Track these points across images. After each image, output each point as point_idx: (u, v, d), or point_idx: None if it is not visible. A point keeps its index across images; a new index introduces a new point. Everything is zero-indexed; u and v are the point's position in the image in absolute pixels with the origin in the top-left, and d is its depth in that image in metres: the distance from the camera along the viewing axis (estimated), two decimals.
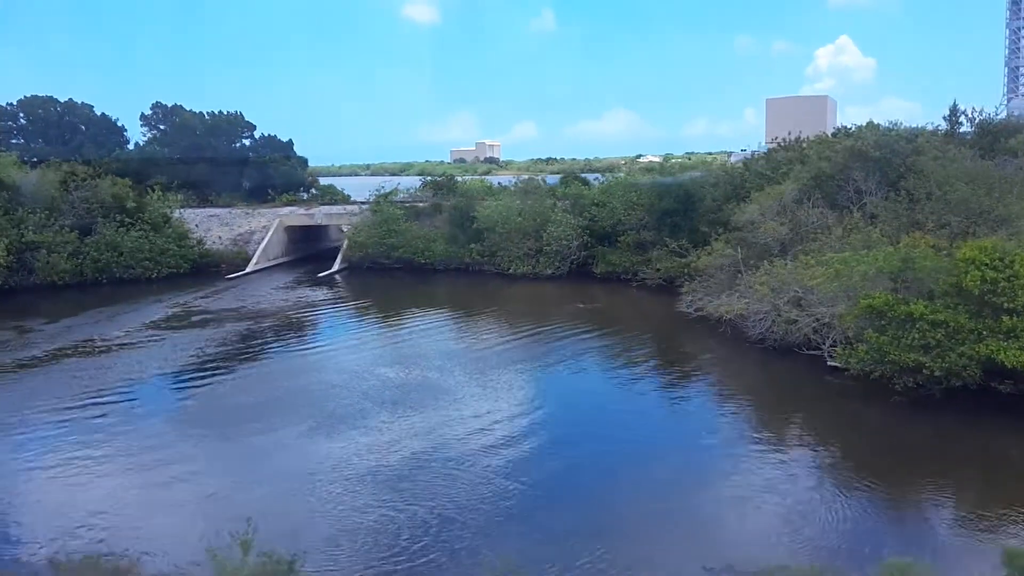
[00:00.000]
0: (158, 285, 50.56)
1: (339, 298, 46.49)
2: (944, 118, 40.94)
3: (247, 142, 72.66)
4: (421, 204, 58.06)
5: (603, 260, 47.06)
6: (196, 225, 58.22)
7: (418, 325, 37.39)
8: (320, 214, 61.02)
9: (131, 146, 74.23)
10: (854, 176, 34.51)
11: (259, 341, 34.95)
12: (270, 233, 57.98)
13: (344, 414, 23.60)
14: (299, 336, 36.43)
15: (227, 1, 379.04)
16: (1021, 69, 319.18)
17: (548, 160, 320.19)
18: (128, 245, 51.17)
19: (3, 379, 28.63)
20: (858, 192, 34.55)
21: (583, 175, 66.67)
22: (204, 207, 62.42)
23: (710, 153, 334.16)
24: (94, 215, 52.39)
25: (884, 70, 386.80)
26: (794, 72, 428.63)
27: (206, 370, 29.64)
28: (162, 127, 73.58)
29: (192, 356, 31.67)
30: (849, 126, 48.10)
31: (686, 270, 39.22)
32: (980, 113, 39.31)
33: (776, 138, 51.86)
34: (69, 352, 32.48)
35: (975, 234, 28.04)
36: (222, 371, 29.53)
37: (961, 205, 29.75)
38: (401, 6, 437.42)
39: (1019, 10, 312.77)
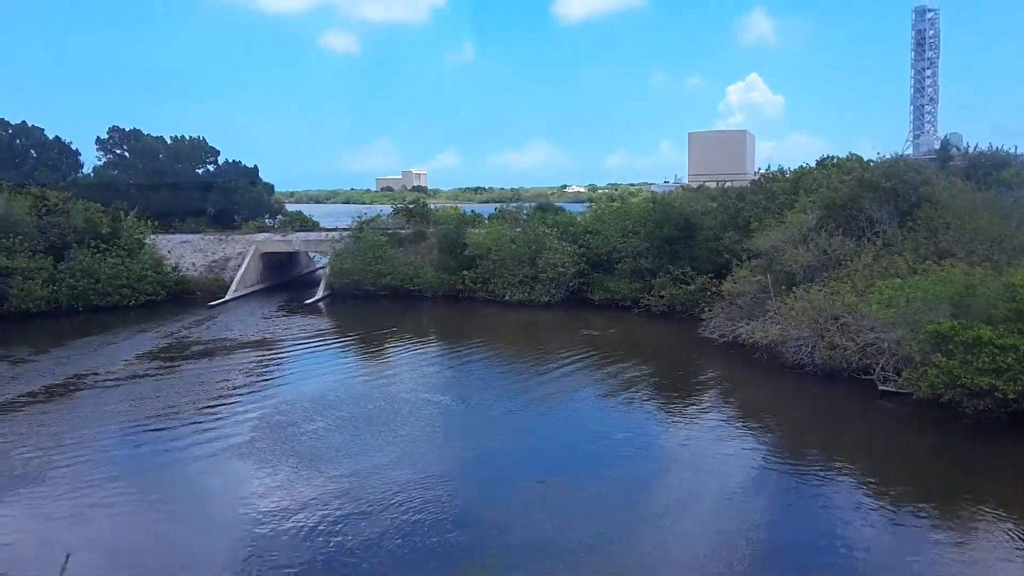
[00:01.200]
0: (136, 313, 48.70)
1: (339, 326, 45.48)
2: (935, 151, 42.56)
3: (211, 167, 70.74)
4: (404, 231, 57.42)
5: (601, 287, 47.21)
6: (169, 251, 56.45)
7: (434, 356, 36.74)
8: (298, 240, 59.79)
9: (87, 171, 71.53)
10: (865, 205, 35.49)
11: (282, 369, 33.92)
12: (247, 260, 56.51)
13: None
14: (317, 364, 35.34)
15: (150, 30, 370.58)
16: (926, 108, 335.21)
17: (476, 189, 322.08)
18: (105, 271, 49.24)
19: (31, 412, 27.04)
20: (869, 221, 35.56)
21: (548, 202, 67.61)
22: (171, 233, 60.50)
23: (632, 184, 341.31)
24: (67, 241, 50.29)
25: (792, 107, 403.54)
26: (708, 107, 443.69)
27: (254, 400, 28.51)
28: (117, 151, 71.12)
29: (220, 387, 30.46)
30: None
31: (701, 296, 39.81)
32: (974, 148, 41.01)
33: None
34: (82, 384, 30.86)
35: (997, 262, 29.12)
36: (269, 400, 28.42)
37: (982, 234, 30.90)
38: (318, 36, 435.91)
39: (923, 52, 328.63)
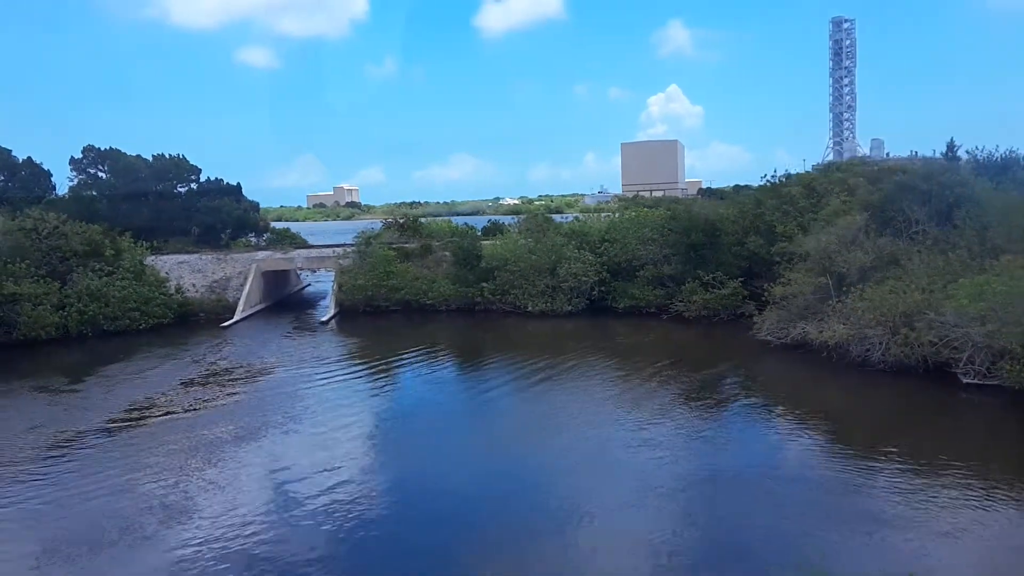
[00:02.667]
0: (148, 337, 47.11)
1: (375, 343, 44.01)
2: (943, 153, 44.47)
3: (193, 186, 68.99)
4: (410, 245, 57.05)
5: (625, 295, 47.69)
6: (167, 272, 54.83)
7: (509, 375, 35.36)
8: (300, 257, 58.81)
9: (61, 191, 69.02)
10: (904, 207, 36.84)
11: (366, 388, 33.27)
12: (250, 279, 55.31)
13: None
14: (392, 386, 34.76)
15: (59, 50, 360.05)
16: (844, 115, 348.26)
17: (412, 204, 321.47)
18: (115, 295, 47.61)
19: (131, 442, 26.06)
20: (907, 221, 36.92)
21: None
22: (165, 254, 58.79)
23: (562, 195, 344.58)
24: (69, 264, 48.51)
25: (711, 117, 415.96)
26: (630, 119, 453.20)
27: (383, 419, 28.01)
28: (91, 171, 68.84)
29: (303, 408, 29.85)
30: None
31: (734, 300, 40.87)
32: (981, 150, 42.93)
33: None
34: (151, 414, 29.75)
35: None
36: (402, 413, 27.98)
37: None
38: (235, 52, 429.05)
39: (840, 61, 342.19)
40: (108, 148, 67.82)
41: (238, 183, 70.31)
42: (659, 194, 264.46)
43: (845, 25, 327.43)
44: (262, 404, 30.53)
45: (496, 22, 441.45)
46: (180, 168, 67.80)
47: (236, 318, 51.60)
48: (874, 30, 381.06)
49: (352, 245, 59.03)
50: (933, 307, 29.58)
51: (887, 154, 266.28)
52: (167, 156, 67.94)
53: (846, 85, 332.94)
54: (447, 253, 56.16)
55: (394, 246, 56.35)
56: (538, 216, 58.64)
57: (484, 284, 50.63)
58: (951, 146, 44.73)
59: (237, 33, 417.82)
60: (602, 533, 17.69)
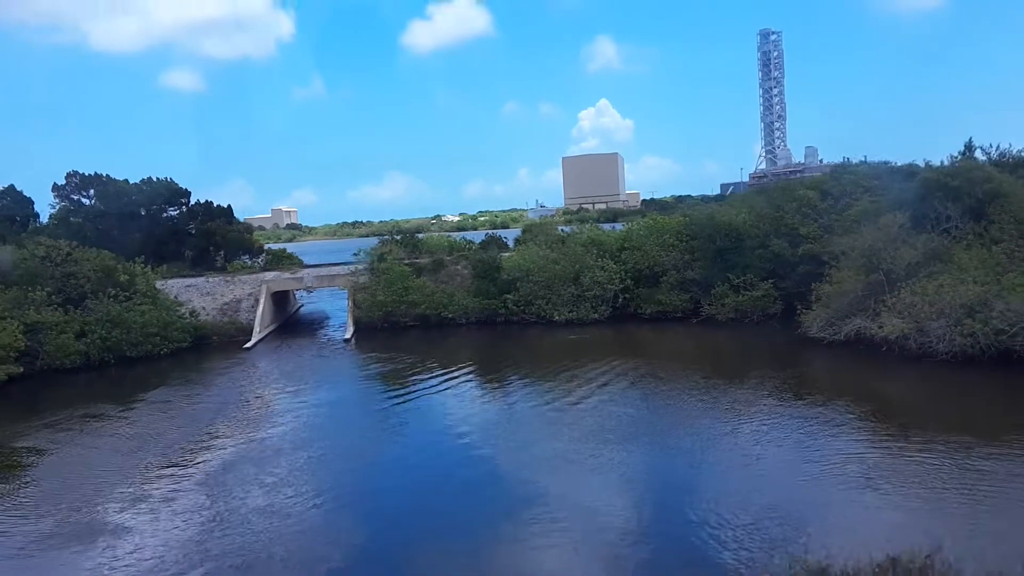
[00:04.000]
0: (169, 362, 46.20)
1: (421, 359, 42.94)
2: (960, 153, 46.43)
3: (183, 210, 67.59)
4: (421, 261, 57.01)
5: (651, 301, 48.44)
6: (175, 296, 53.72)
7: (574, 385, 35.29)
8: (310, 276, 58.14)
9: (44, 220, 66.95)
10: (935, 204, 38.47)
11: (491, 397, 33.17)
12: (263, 300, 54.58)
13: None
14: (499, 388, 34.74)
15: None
16: (775, 124, 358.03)
17: (355, 223, 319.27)
18: (136, 320, 46.48)
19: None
20: (938, 218, 38.55)
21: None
22: (169, 277, 57.55)
23: (504, 211, 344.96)
24: (84, 291, 47.22)
25: (641, 130, 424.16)
26: (562, 134, 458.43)
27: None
28: (75, 197, 66.98)
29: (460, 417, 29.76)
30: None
31: (766, 301, 42.23)
32: (996, 149, 44.88)
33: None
34: (258, 446, 29.30)
35: None
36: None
37: None
38: (159, 75, 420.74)
39: (769, 72, 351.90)
40: (93, 173, 66.10)
41: (228, 205, 69.25)
42: (601, 206, 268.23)
43: (772, 37, 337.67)
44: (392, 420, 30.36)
45: (423, 40, 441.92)
46: (169, 192, 66.40)
47: (254, 340, 50.86)
48: (800, 41, 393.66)
49: (353, 263, 58.89)
50: (993, 298, 30.99)
51: (820, 161, 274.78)
52: (155, 179, 66.51)
53: (775, 95, 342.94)
54: (458, 267, 56.37)
55: (406, 262, 56.21)
56: (548, 227, 59.06)
57: (507, 296, 50.81)
58: (969, 146, 46.74)
59: (159, 56, 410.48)
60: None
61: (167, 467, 25.44)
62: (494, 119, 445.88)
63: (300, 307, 68.61)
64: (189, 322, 50.67)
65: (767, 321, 44.67)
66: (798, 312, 39.58)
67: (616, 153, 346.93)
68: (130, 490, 23.35)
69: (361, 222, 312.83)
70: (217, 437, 29.00)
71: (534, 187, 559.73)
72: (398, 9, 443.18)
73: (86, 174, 66.33)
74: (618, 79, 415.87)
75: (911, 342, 33.11)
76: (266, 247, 70.27)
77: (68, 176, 66.07)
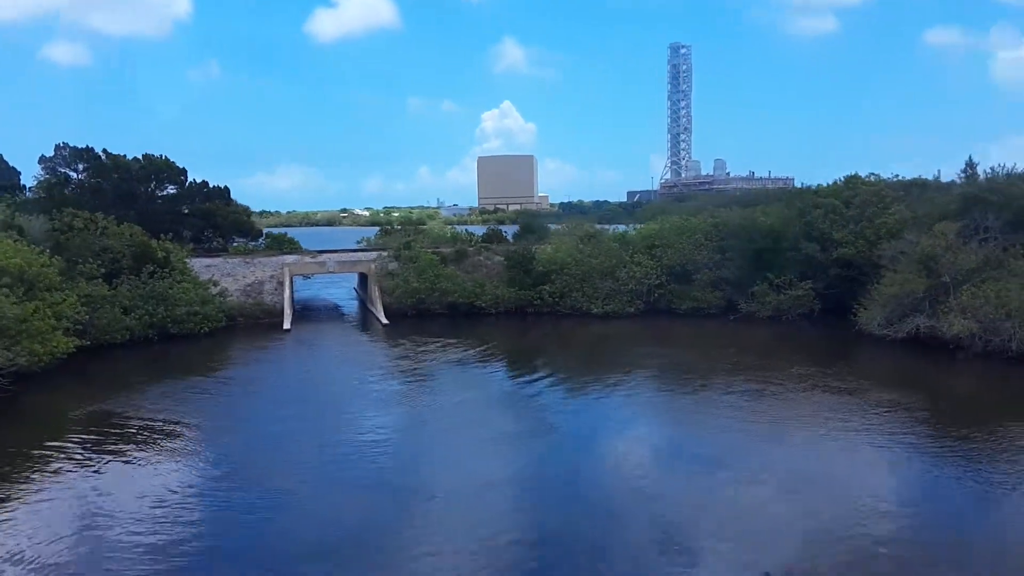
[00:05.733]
0: (211, 341, 45.49)
1: (498, 348, 43.81)
2: (962, 172, 50.48)
3: (179, 188, 65.71)
4: (445, 250, 57.61)
5: (687, 297, 50.60)
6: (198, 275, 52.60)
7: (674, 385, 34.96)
8: (332, 261, 57.74)
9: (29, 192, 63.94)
10: (975, 216, 41.96)
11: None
12: (287, 283, 54.09)
13: None
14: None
15: None
16: (681, 136, 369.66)
17: (261, 213, 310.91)
18: (182, 297, 45.50)
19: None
20: (976, 229, 42.00)
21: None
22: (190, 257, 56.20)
23: (412, 207, 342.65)
24: (121, 266, 45.85)
25: (543, 133, 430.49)
26: (465, 133, 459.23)
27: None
28: (61, 170, 64.25)
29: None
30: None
31: (804, 300, 46.36)
32: (1001, 168, 48.84)
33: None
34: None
35: None
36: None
37: None
38: (41, 46, 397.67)
39: (678, 84, 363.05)
40: (85, 146, 63.59)
41: (226, 186, 67.69)
42: (516, 207, 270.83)
43: (683, 51, 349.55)
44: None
45: (327, 28, 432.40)
46: (168, 169, 64.49)
47: (288, 322, 50.43)
48: (709, 56, 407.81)
49: (362, 250, 58.98)
50: None
51: (727, 173, 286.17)
52: (155, 156, 64.45)
53: (683, 107, 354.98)
54: (480, 257, 57.34)
55: (431, 251, 56.73)
56: (585, 224, 60.59)
57: (543, 287, 52.02)
58: (970, 163, 50.74)
59: (43, 28, 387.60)
60: None
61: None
62: (396, 114, 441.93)
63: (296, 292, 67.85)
64: (222, 302, 49.73)
65: (802, 319, 47.40)
66: (853, 311, 42.30)
67: (532, 156, 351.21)
68: None
69: (268, 211, 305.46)
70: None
71: (436, 185, 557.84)
72: None
73: (77, 147, 63.73)
74: (523, 82, 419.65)
75: (977, 340, 36.23)
76: (265, 230, 69.01)
77: (57, 148, 63.40)
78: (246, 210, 68.65)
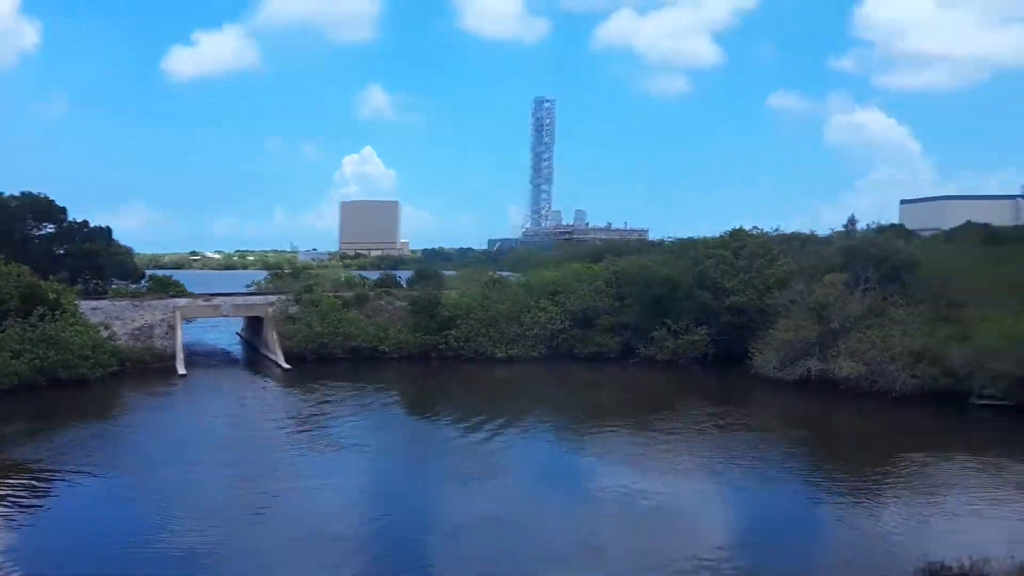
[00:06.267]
0: (105, 388, 43.25)
1: (415, 394, 45.11)
2: (844, 226, 54.97)
3: (60, 227, 62.26)
4: (345, 294, 57.23)
5: (589, 342, 52.32)
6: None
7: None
8: (227, 305, 56.09)
9: None
10: (857, 268, 45.66)
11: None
12: (179, 326, 52.23)
13: None
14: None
15: None
16: (542, 186, 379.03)
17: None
18: (74, 340, 43.21)
19: None
20: (858, 280, 45.56)
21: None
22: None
23: (269, 251, 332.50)
24: (6, 308, 43.22)
25: (403, 180, 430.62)
26: (324, 177, 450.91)
27: None
28: None
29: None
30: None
31: (699, 345, 49.00)
32: (876, 224, 53.61)
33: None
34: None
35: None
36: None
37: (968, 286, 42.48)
38: None
39: (541, 137, 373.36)
40: None
41: (107, 226, 64.63)
42: (378, 253, 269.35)
43: (546, 105, 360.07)
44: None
45: (185, 67, 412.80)
46: (48, 208, 61.16)
47: (181, 367, 48.65)
48: (572, 110, 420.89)
49: (256, 293, 58.00)
50: (940, 347, 37.99)
51: (587, 224, 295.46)
52: (34, 194, 60.96)
53: (545, 159, 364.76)
54: (381, 302, 57.37)
55: (332, 295, 56.29)
56: (488, 271, 61.58)
57: (449, 332, 52.48)
58: (851, 220, 55.47)
59: None
60: None
61: None
62: (253, 155, 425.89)
63: None
64: (113, 346, 47.51)
65: (696, 364, 49.89)
66: (749, 355, 45.14)
67: (396, 201, 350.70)
68: None
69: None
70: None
71: (292, 229, 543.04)
72: (160, 32, 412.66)
73: None
74: (386, 128, 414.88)
75: (864, 381, 39.39)
76: (147, 272, 66.24)
77: None
78: (128, 251, 65.86)
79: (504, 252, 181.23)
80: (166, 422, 36.47)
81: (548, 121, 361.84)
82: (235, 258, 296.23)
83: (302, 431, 34.24)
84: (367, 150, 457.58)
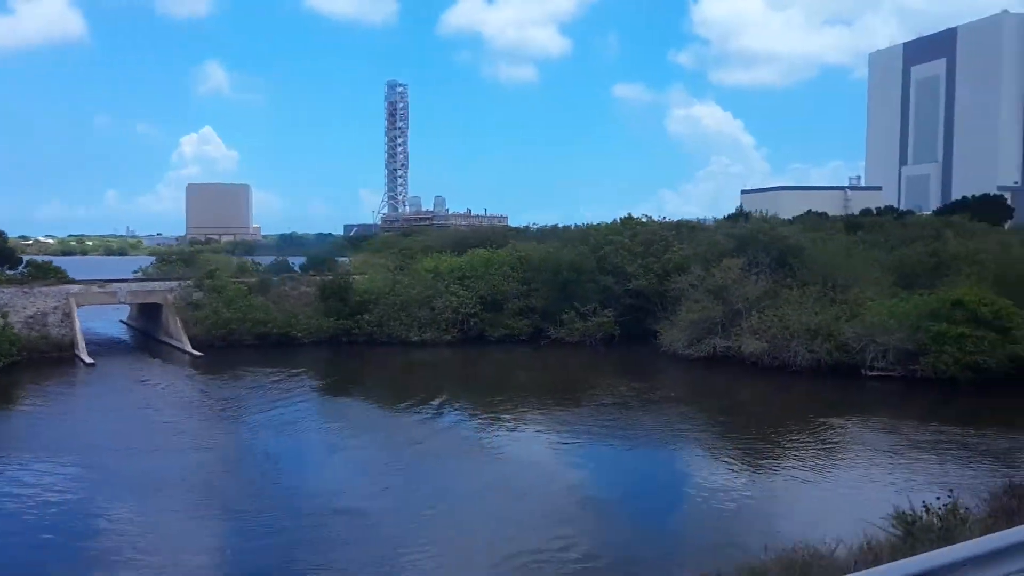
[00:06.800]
0: (9, 376, 41.64)
1: (343, 379, 44.64)
2: (732, 215, 59.10)
3: None
4: (250, 280, 56.41)
5: (501, 325, 54.02)
6: None
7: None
8: (124, 291, 54.00)
9: None
10: (750, 254, 49.58)
11: None
12: (75, 314, 50.12)
13: None
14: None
15: None
16: (398, 172, 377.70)
17: None
18: None
19: None
20: (751, 265, 49.48)
21: None
22: None
23: (108, 235, 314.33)
24: None
25: (246, 162, 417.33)
26: (160, 157, 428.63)
27: None
28: None
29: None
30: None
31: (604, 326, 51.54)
32: (765, 212, 57.73)
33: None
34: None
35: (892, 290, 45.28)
36: None
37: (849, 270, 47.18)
38: None
39: (395, 121, 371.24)
40: None
41: None
42: (229, 238, 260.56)
43: (399, 89, 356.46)
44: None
45: (3, 38, 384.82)
46: None
47: (84, 357, 46.88)
48: (425, 95, 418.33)
49: (142, 280, 56.66)
50: (831, 325, 42.12)
51: (447, 210, 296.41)
52: None
53: (400, 144, 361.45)
54: (285, 288, 56.97)
55: (237, 281, 55.43)
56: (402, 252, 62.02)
57: (362, 316, 52.86)
58: (741, 210, 59.60)
59: None
60: None
61: None
62: (81, 134, 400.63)
63: None
64: (13, 334, 45.25)
65: (602, 344, 52.56)
66: (655, 334, 48.33)
67: (247, 185, 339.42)
68: None
69: None
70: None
71: (127, 212, 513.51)
72: None
73: None
74: (227, 107, 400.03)
75: (767, 357, 43.13)
76: (25, 258, 62.38)
77: None
78: (1, 236, 61.78)
79: (362, 237, 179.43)
80: (112, 414, 35.34)
81: (402, 106, 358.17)
82: (72, 243, 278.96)
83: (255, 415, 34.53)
84: (207, 130, 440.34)
